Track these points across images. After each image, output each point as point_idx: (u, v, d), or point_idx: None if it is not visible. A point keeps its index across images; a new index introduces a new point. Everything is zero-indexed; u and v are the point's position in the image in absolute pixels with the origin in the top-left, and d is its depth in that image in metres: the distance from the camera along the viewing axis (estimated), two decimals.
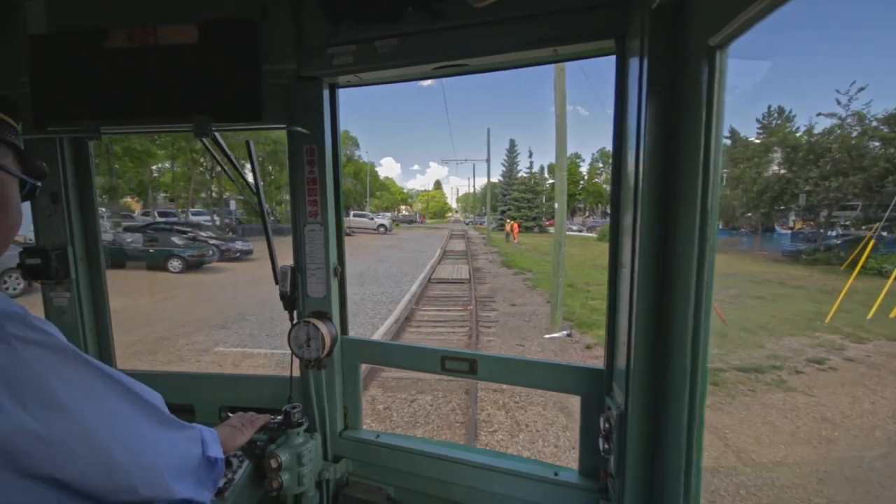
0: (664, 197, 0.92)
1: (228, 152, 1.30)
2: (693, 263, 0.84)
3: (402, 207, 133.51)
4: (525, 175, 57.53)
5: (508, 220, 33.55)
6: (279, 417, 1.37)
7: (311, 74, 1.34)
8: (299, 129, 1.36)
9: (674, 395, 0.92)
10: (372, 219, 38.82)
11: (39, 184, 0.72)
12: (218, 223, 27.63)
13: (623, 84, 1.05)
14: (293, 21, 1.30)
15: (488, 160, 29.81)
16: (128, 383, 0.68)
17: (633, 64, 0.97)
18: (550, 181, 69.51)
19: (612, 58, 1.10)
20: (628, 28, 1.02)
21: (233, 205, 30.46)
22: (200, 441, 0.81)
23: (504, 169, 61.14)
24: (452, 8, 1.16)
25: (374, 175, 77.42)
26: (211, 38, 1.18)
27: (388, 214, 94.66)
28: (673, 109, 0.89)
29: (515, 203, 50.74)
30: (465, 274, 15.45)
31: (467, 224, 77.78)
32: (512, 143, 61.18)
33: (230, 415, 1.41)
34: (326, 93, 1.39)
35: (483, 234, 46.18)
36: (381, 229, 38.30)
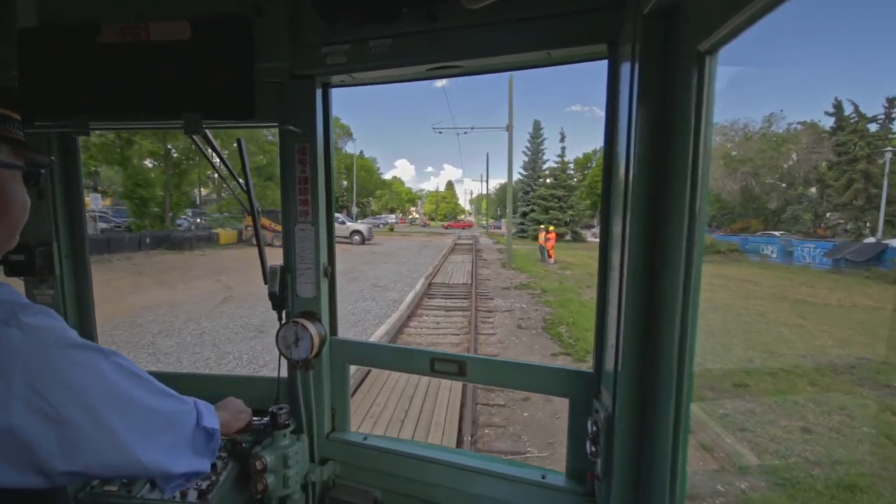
0: (653, 201, 0.92)
1: (219, 150, 1.31)
2: (681, 267, 0.85)
3: (413, 209, 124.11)
4: (555, 165, 43.36)
5: (542, 227, 21.93)
6: (265, 419, 1.33)
7: (304, 73, 1.33)
8: (292, 127, 1.34)
9: (661, 398, 0.92)
10: (343, 223, 27.91)
11: (42, 171, 0.77)
12: None
13: (614, 88, 1.05)
14: (287, 19, 1.28)
15: (510, 127, 18.33)
16: (121, 361, 0.71)
17: (625, 68, 0.98)
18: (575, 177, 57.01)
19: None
20: (620, 33, 1.02)
21: (97, 203, 19.35)
22: (195, 412, 0.84)
23: (526, 159, 47.90)
24: (447, 9, 1.16)
25: (370, 170, 66.28)
26: (204, 35, 1.17)
27: (393, 217, 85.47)
28: (663, 114, 0.90)
29: (542, 202, 38.24)
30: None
31: (485, 228, 65.05)
32: (536, 126, 48.23)
33: (231, 398, 1.27)
34: (319, 92, 1.38)
35: (500, 245, 34.41)
36: (356, 238, 27.42)
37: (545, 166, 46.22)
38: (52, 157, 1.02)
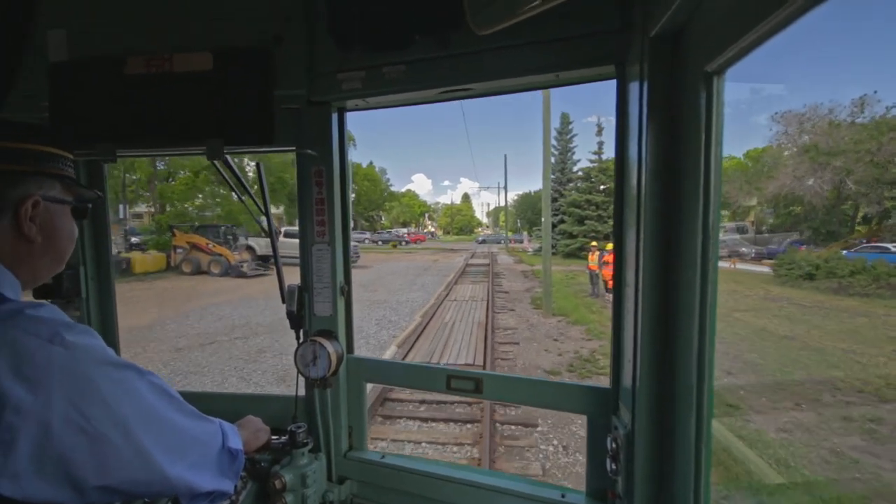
0: (666, 216, 0.94)
1: (238, 174, 1.34)
2: (696, 282, 0.86)
3: (428, 222, 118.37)
4: (591, 164, 33.09)
5: (595, 245, 14.90)
6: (284, 437, 1.35)
7: (320, 99, 1.37)
8: (309, 151, 1.39)
9: (681, 413, 0.92)
10: None
11: (90, 205, 0.84)
12: None
13: (624, 108, 1.08)
14: (305, 48, 1.33)
15: (545, 91, 12.02)
16: (155, 380, 0.73)
17: (633, 88, 1.00)
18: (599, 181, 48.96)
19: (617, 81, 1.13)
20: (628, 54, 1.05)
21: None
22: (221, 433, 0.85)
23: (554, 158, 38.71)
24: (458, 35, 1.19)
25: (375, 180, 60.38)
26: (225, 66, 1.22)
27: (405, 230, 79.50)
28: (672, 132, 0.92)
29: (576, 210, 30.81)
30: None
31: (501, 243, 56.62)
32: (565, 120, 39.70)
33: (250, 417, 1.31)
34: (335, 116, 1.43)
35: (523, 264, 27.24)
36: None
37: (576, 167, 38.42)
38: (98, 192, 1.06)
